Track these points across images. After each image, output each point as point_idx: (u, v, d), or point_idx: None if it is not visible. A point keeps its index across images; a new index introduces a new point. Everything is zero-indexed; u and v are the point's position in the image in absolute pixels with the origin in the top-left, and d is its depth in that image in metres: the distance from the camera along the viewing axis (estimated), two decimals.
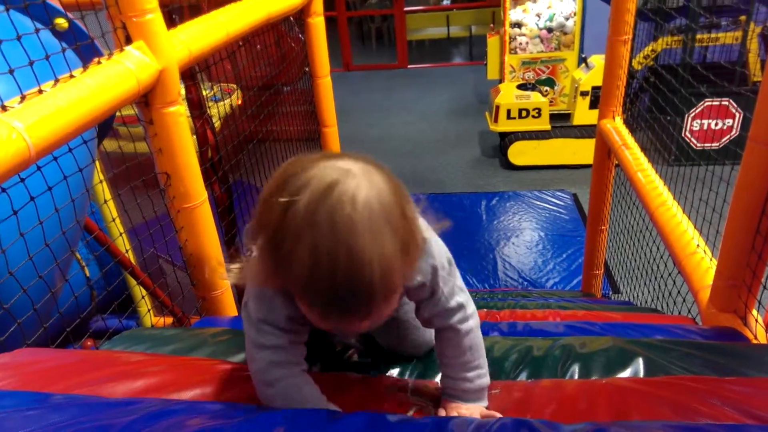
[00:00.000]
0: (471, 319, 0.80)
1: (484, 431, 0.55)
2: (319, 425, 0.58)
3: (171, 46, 1.20)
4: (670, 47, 4.08)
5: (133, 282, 2.41)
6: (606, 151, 2.26)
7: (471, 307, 0.81)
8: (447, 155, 5.06)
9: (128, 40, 1.14)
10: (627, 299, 2.53)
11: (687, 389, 0.67)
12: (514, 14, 4.91)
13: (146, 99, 1.18)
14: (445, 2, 8.92)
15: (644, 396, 0.66)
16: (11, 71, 0.89)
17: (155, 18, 1.14)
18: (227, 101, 3.56)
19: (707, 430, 0.52)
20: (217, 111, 2.78)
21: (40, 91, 0.93)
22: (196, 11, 1.76)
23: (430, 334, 0.91)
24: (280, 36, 2.40)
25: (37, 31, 0.94)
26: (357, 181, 0.60)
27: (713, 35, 3.92)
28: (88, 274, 2.67)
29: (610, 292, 2.98)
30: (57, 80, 0.97)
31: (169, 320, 2.65)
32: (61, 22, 1.67)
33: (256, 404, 0.69)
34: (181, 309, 2.23)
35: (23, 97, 0.90)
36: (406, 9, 7.72)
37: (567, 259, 3.40)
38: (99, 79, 1.02)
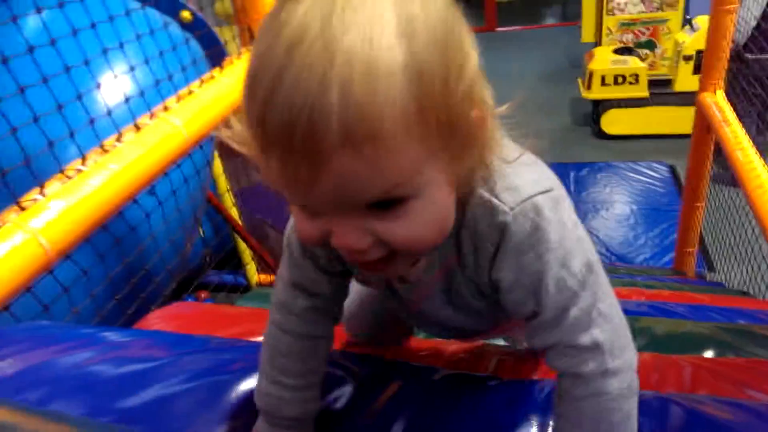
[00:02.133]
0: (618, 376, 0.49)
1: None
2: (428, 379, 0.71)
3: None
4: None
5: (243, 246, 2.70)
6: (705, 126, 2.20)
7: (627, 353, 0.51)
8: (535, 123, 4.97)
9: (253, 40, 1.30)
10: (721, 279, 2.48)
11: (755, 371, 0.74)
12: None
13: None
14: None
15: (713, 374, 0.74)
16: (170, 78, 1.08)
17: None
18: None
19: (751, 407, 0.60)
20: None
21: (190, 92, 1.11)
22: None
23: None
24: None
25: (187, 41, 1.12)
26: None
27: None
28: (203, 234, 3.01)
29: (705, 271, 2.90)
30: (202, 81, 1.15)
31: (272, 277, 2.94)
32: (186, 15, 1.89)
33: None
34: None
35: (179, 98, 1.09)
36: None
37: (660, 235, 3.32)
38: (234, 77, 1.20)
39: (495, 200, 0.47)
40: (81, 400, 0.68)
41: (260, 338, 0.97)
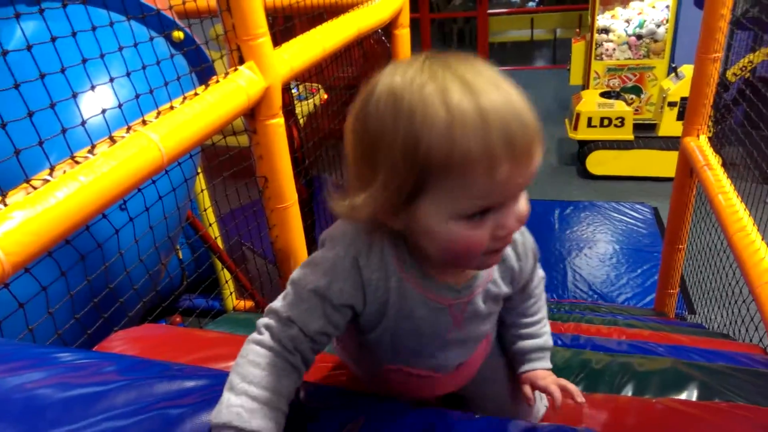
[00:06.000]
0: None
1: None
2: (395, 415, 0.68)
3: (276, 65, 1.34)
4: None
5: (219, 266, 2.64)
6: (688, 169, 2.22)
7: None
8: None
9: (241, 60, 1.30)
10: (701, 321, 2.47)
11: (734, 416, 0.71)
12: (602, 20, 4.80)
13: (252, 112, 1.34)
14: (530, 5, 8.79)
15: (691, 419, 0.71)
16: (151, 91, 1.05)
17: (265, 41, 1.29)
18: (311, 100, 3.75)
19: None
20: (301, 109, 2.96)
21: (172, 107, 1.09)
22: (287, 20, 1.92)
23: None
24: (368, 47, 2.53)
25: (172, 56, 1.10)
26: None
27: None
28: (180, 257, 2.93)
29: (685, 312, 2.90)
30: (185, 97, 1.13)
31: (249, 303, 2.86)
32: (178, 34, 1.88)
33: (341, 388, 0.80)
34: (261, 294, 2.42)
35: (159, 113, 1.06)
36: (489, 11, 7.69)
37: (641, 275, 3.32)
38: (217, 96, 1.18)
39: None
40: (22, 423, 0.63)
41: (227, 364, 0.93)
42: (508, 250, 0.70)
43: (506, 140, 0.52)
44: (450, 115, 0.52)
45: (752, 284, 1.42)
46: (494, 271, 0.70)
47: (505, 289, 0.72)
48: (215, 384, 0.67)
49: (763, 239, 1.52)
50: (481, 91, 0.53)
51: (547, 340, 0.82)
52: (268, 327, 0.65)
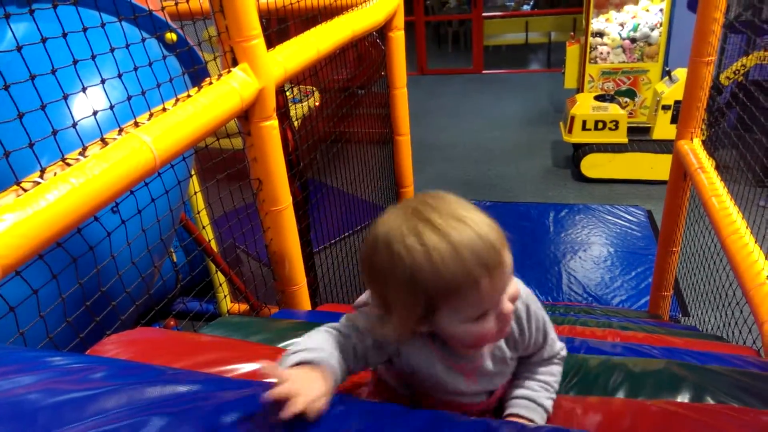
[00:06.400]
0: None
1: None
2: (395, 415, 0.67)
3: (270, 67, 1.34)
4: (763, 62, 3.88)
5: (213, 269, 2.62)
6: (682, 172, 2.23)
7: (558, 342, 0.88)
8: (517, 164, 5.05)
9: (234, 62, 1.29)
10: (695, 323, 2.48)
11: (727, 417, 0.71)
12: (596, 23, 4.82)
13: (246, 114, 1.33)
14: (524, 8, 8.82)
15: (686, 420, 0.71)
16: (143, 93, 1.05)
17: (258, 43, 1.29)
18: (306, 103, 3.74)
19: None
20: (295, 112, 2.95)
21: (164, 109, 1.09)
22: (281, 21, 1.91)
23: None
24: (362, 49, 2.53)
25: (164, 57, 1.10)
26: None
27: None
28: (175, 260, 2.91)
29: (679, 315, 2.91)
30: (177, 99, 1.13)
31: (244, 306, 2.85)
32: (171, 36, 1.87)
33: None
34: (256, 296, 2.41)
35: (151, 114, 1.06)
36: (484, 14, 7.71)
37: (636, 278, 3.33)
38: (210, 98, 1.17)
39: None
40: (13, 427, 0.62)
41: (221, 368, 0.93)
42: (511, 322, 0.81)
43: (479, 262, 0.65)
44: (430, 256, 0.65)
45: (745, 287, 1.43)
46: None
47: (509, 353, 0.82)
48: (209, 389, 0.66)
49: (756, 242, 1.53)
50: (448, 229, 0.65)
51: (541, 399, 0.83)
52: (333, 326, 0.77)
